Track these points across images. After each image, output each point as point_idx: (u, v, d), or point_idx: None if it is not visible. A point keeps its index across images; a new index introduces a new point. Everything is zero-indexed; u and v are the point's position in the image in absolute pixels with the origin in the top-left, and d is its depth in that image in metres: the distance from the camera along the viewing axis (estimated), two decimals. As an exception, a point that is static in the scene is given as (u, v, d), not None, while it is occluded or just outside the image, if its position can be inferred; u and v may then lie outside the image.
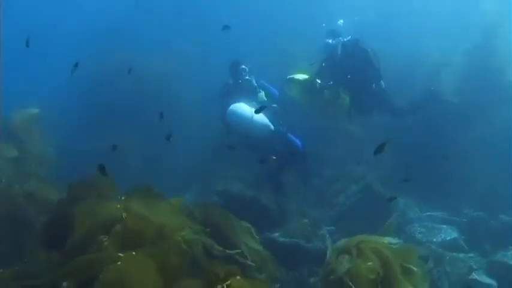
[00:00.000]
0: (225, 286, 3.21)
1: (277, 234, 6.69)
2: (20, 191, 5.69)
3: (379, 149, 4.66)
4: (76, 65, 5.57)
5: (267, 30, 13.00)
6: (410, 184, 7.59)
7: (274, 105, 7.58)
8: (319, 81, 7.62)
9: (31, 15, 16.75)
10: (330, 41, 7.83)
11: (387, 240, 4.54)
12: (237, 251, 4.62)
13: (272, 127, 7.26)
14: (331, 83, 7.64)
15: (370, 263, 4.14)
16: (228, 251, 4.57)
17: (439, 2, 13.11)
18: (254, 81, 7.85)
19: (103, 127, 9.44)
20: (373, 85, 7.80)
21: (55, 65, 10.93)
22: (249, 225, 5.37)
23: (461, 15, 11.46)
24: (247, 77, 7.83)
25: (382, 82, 7.89)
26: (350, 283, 4.01)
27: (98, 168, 4.30)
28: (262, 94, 7.78)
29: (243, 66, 7.87)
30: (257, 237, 5.39)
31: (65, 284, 3.37)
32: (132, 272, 3.20)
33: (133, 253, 3.42)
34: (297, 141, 7.47)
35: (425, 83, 8.66)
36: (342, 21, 8.34)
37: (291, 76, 7.81)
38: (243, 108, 7.26)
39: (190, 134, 9.28)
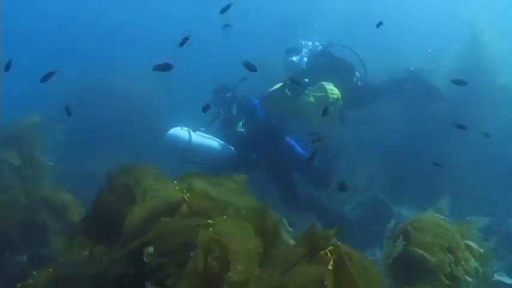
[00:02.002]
0: (328, 252, 3.01)
1: (289, 245, 6.52)
2: (34, 197, 5.27)
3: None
4: None
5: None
6: (408, 193, 7.74)
7: (242, 130, 7.04)
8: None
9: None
10: (294, 58, 7.71)
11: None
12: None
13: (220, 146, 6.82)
14: (307, 80, 7.06)
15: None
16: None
17: (426, 6, 13.69)
18: (234, 111, 7.26)
19: (87, 147, 9.03)
20: (353, 79, 7.74)
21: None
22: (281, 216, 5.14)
23: (448, 19, 11.96)
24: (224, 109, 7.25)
25: (356, 73, 7.85)
26: (417, 249, 3.93)
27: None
28: (240, 124, 7.17)
29: (228, 95, 7.34)
30: (291, 229, 5.19)
31: (150, 248, 3.10)
32: (230, 232, 2.97)
33: (225, 217, 3.20)
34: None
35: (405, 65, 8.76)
36: (303, 41, 8.26)
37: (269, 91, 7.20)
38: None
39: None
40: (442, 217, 4.45)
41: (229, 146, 6.89)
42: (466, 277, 4.03)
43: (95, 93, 9.95)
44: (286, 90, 6.84)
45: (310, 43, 8.20)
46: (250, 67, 5.27)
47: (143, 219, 3.66)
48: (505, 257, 6.69)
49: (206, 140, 6.75)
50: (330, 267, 2.90)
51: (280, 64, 8.13)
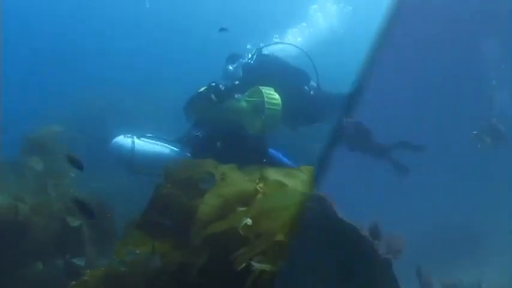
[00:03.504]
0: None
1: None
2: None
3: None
4: None
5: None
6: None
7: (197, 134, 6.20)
8: (222, 86, 6.06)
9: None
10: (230, 67, 6.96)
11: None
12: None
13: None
14: (237, 82, 6.35)
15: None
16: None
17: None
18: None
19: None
20: (305, 87, 6.89)
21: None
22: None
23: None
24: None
25: (312, 82, 6.98)
26: None
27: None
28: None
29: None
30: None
31: (248, 220, 3.13)
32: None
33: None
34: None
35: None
36: (249, 46, 7.48)
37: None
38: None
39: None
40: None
41: (183, 151, 6.16)
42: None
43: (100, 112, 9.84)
44: (211, 95, 5.97)
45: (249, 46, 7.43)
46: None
47: (218, 208, 3.58)
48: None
49: (154, 146, 6.05)
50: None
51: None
